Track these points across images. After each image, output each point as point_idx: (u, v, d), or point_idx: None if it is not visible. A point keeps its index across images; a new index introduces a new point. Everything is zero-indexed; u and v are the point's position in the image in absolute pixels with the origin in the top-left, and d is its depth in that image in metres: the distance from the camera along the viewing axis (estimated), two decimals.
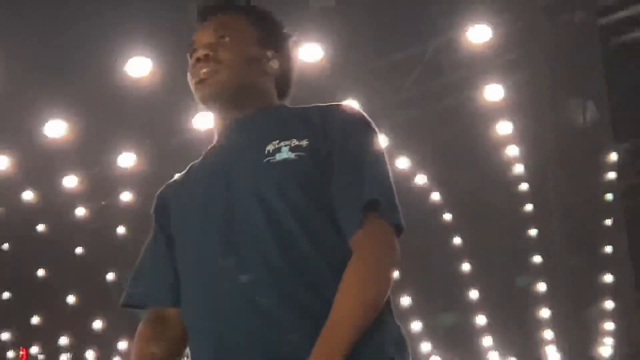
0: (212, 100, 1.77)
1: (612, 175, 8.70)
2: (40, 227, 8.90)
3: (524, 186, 8.71)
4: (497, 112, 7.39)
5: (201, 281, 1.64)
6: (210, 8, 1.85)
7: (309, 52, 5.93)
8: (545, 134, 8.41)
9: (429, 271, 9.35)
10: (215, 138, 1.82)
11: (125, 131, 7.27)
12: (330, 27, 6.53)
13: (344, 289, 1.52)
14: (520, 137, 7.98)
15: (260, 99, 1.80)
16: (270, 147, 1.64)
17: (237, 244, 1.59)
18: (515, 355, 9.48)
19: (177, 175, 1.86)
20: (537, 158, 8.46)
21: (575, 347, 8.62)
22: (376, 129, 1.72)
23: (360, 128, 1.71)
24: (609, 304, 8.77)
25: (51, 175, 7.71)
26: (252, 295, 1.54)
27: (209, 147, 1.83)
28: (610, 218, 8.67)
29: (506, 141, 7.97)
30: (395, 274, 1.61)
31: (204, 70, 1.75)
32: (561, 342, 8.84)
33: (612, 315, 8.77)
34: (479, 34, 6.45)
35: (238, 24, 1.83)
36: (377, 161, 1.66)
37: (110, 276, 9.05)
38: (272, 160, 1.62)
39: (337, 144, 1.66)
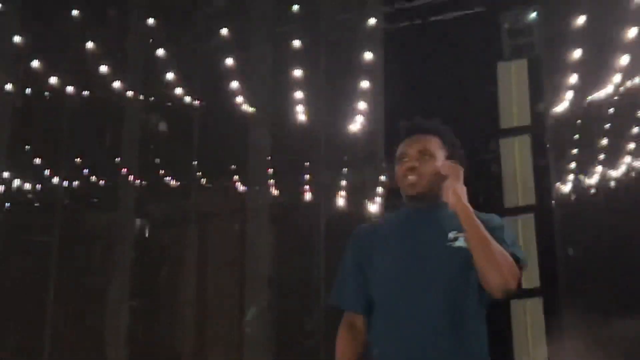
0: (414, 198, 2.60)
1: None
2: None
3: None
4: None
5: (395, 329, 2.48)
6: (415, 128, 2.67)
7: None
8: None
9: None
10: (404, 213, 2.66)
11: None
12: None
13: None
14: None
15: (441, 197, 2.51)
16: (451, 235, 2.50)
17: (423, 300, 2.45)
18: None
19: (368, 225, 2.79)
20: None
21: None
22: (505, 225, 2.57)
23: (501, 228, 2.53)
24: None
25: None
26: (429, 336, 2.42)
27: (400, 215, 2.68)
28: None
29: None
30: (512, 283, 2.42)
31: (412, 177, 2.59)
32: None
33: None
34: None
35: (435, 144, 2.63)
36: (515, 242, 2.53)
37: None
38: (453, 245, 2.49)
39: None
